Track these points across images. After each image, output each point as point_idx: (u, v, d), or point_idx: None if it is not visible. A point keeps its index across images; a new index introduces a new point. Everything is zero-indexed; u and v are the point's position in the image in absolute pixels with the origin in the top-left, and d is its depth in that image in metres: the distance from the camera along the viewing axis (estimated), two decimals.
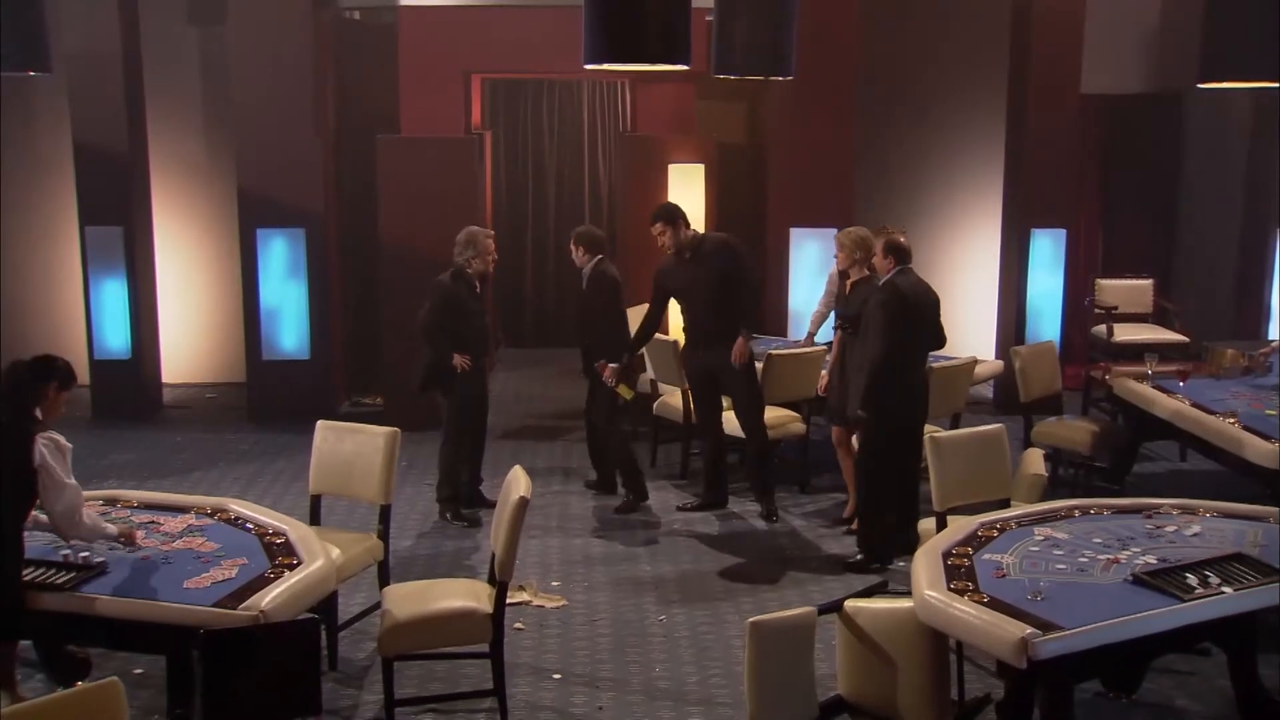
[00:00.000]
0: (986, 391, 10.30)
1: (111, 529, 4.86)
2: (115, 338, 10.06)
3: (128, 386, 10.11)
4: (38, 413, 4.62)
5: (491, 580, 5.31)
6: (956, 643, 5.21)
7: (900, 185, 11.20)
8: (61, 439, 4.64)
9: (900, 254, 6.83)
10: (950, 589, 4.60)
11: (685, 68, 6.14)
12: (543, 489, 8.16)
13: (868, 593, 5.51)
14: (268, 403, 10.09)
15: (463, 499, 7.76)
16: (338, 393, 10.37)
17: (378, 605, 5.98)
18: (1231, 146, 11.38)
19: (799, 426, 8.30)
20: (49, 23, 7.69)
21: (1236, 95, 10.63)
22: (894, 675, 5.11)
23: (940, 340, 7.07)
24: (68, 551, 4.79)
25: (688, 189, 10.07)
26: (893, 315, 6.69)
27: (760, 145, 10.77)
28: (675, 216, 7.62)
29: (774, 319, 10.20)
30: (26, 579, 4.56)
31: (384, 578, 5.91)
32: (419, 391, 7.62)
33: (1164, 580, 4.56)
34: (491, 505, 7.78)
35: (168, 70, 10.70)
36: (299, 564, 4.80)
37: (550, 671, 5.70)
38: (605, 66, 6.09)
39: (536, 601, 6.43)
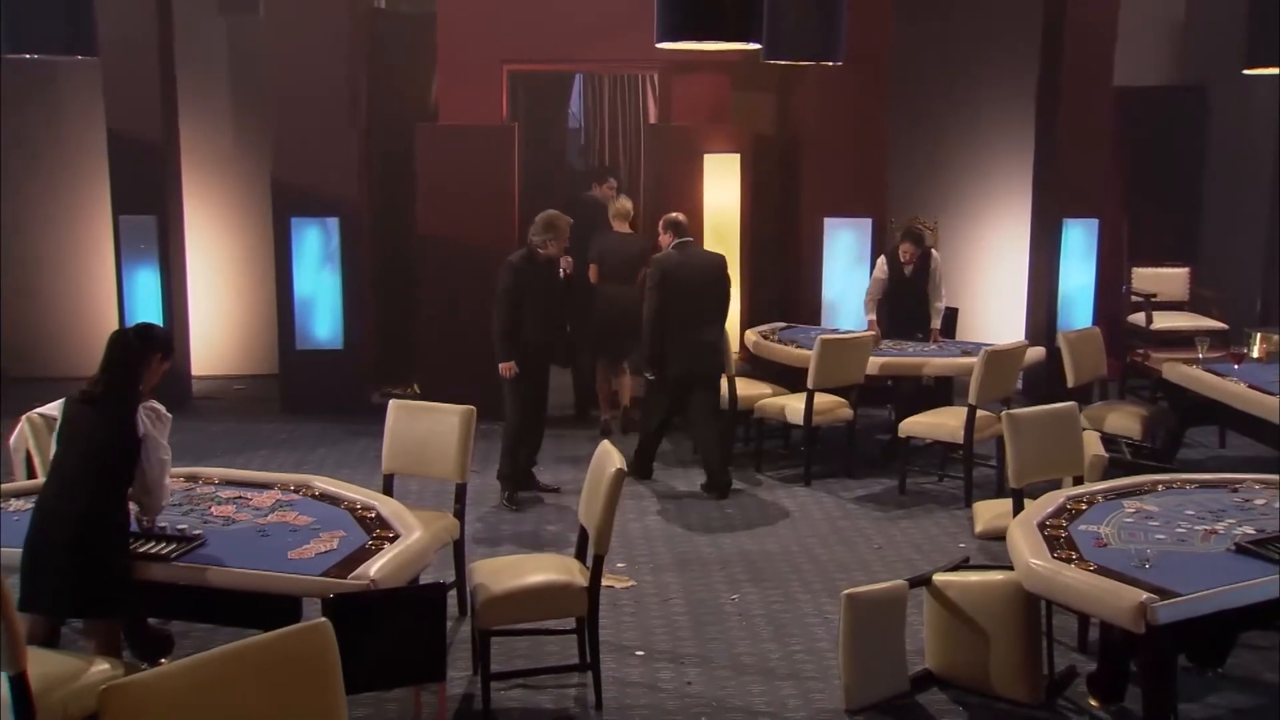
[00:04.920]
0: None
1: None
2: None
3: None
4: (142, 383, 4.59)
5: (579, 555, 5.31)
6: (1047, 616, 5.22)
7: (932, 175, 11.23)
8: (162, 408, 4.61)
9: (677, 229, 7.97)
10: (1055, 558, 4.61)
11: (758, 46, 6.15)
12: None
13: (952, 567, 5.55)
14: (300, 393, 10.05)
15: (519, 481, 7.73)
16: (371, 383, 10.31)
17: (451, 584, 5.97)
18: (1257, 137, 11.44)
19: (846, 412, 8.32)
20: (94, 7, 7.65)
21: (1262, 87, 10.70)
22: (985, 648, 5.14)
23: (722, 307, 7.98)
24: (164, 524, 4.74)
25: (723, 179, 10.08)
26: (655, 283, 7.81)
27: (791, 136, 10.77)
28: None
29: (808, 308, 10.22)
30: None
31: (461, 556, 5.89)
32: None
33: (1269, 549, 4.58)
34: (545, 489, 7.84)
35: (197, 59, 10.64)
36: (396, 536, 4.78)
37: (632, 649, 5.69)
38: (680, 45, 6.09)
39: (606, 582, 6.35)
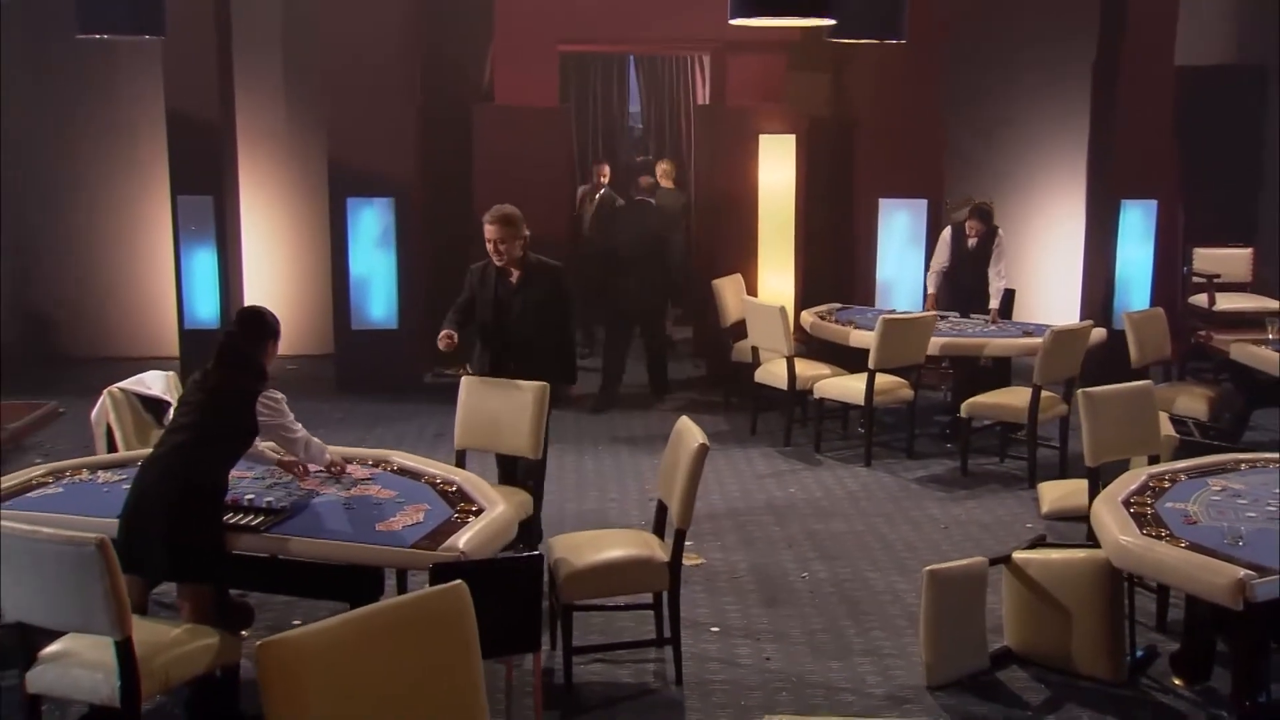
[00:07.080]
0: None
1: (328, 457, 5.08)
2: (205, 307, 10.05)
3: None
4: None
5: (657, 530, 5.32)
6: (1128, 595, 5.19)
7: (986, 155, 11.15)
8: (276, 394, 4.75)
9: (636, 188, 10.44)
10: (1145, 535, 4.57)
11: (833, 22, 6.12)
12: (647, 453, 8.13)
13: (1030, 545, 5.52)
14: (355, 372, 10.08)
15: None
16: (425, 362, 10.34)
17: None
18: None
19: (907, 393, 8.28)
20: None
21: None
22: (1067, 626, 5.11)
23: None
24: (251, 495, 4.77)
25: (779, 160, 10.04)
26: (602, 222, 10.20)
27: (845, 117, 10.72)
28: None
29: (863, 289, 10.18)
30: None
31: (535, 531, 5.90)
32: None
33: None
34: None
35: (251, 39, 10.67)
36: (480, 509, 4.78)
37: (708, 625, 5.69)
38: (753, 21, 6.04)
39: None
